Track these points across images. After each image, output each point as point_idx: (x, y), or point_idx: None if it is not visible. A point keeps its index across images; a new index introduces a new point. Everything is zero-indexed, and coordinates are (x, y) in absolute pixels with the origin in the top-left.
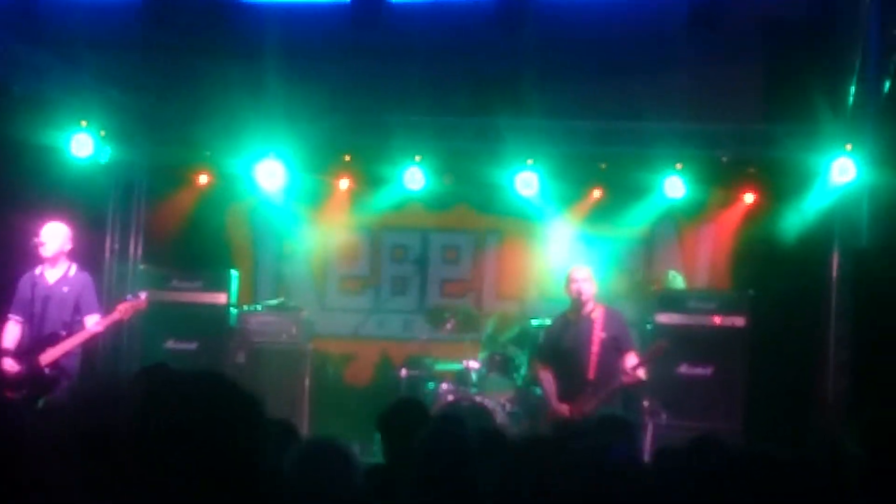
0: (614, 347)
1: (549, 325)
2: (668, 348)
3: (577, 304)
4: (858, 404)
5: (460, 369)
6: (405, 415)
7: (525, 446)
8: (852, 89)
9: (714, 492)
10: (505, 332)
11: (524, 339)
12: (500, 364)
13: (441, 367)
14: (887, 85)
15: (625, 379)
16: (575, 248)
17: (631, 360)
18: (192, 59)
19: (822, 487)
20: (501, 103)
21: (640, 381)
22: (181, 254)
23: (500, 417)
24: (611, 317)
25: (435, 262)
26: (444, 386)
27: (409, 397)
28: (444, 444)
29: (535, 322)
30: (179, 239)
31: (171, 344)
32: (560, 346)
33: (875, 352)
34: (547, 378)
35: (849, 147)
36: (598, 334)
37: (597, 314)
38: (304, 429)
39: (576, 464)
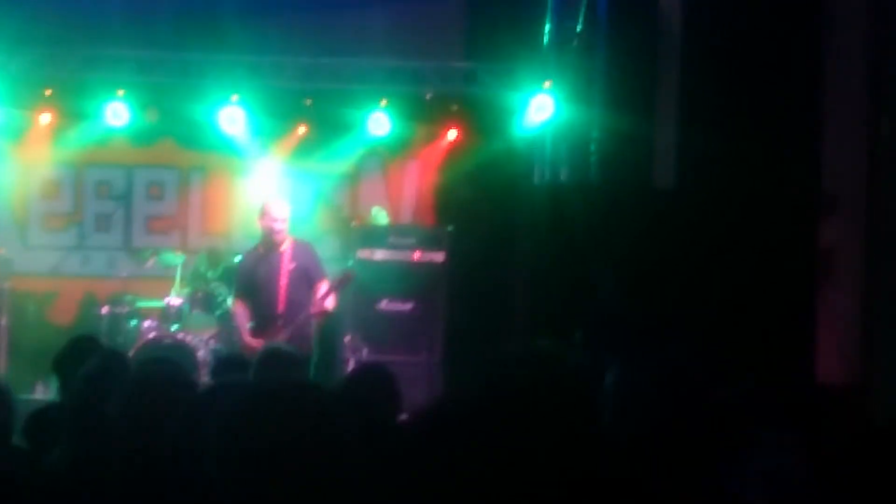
0: (304, 279)
1: (241, 259)
2: (354, 277)
3: (269, 237)
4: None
5: (163, 306)
6: (77, 353)
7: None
8: (547, 28)
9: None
10: (210, 269)
11: (229, 275)
12: (203, 300)
13: (143, 304)
14: (580, 24)
15: (311, 310)
16: (280, 184)
17: (321, 290)
18: None
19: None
20: (205, 37)
21: (325, 312)
22: None
23: (203, 354)
24: (300, 248)
25: (139, 199)
26: (147, 323)
27: (81, 335)
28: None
29: (238, 258)
30: None
31: None
32: (252, 280)
33: (559, 285)
34: (240, 312)
35: (546, 84)
36: (287, 266)
37: (286, 246)
38: (2, 369)
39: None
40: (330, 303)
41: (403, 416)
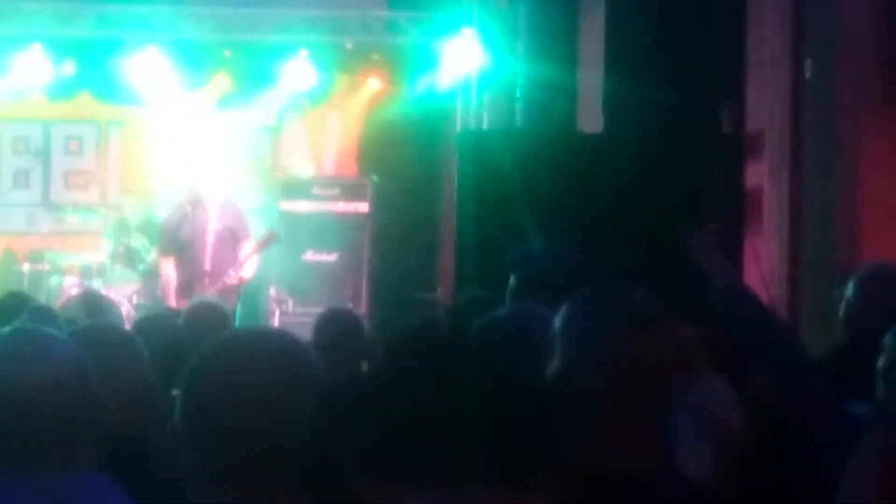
0: (230, 237)
1: (167, 216)
2: (277, 237)
3: (194, 195)
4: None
5: (85, 263)
6: (6, 310)
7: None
8: None
9: None
10: (130, 224)
11: (150, 229)
12: (125, 256)
13: (65, 260)
14: None
15: (228, 281)
16: (201, 138)
17: (247, 248)
18: None
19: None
20: None
21: (245, 278)
22: None
23: (126, 309)
24: (226, 207)
25: (57, 154)
26: (69, 279)
27: (10, 292)
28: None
29: (159, 213)
30: None
31: None
32: (178, 238)
33: (485, 233)
34: (166, 270)
35: (469, 32)
36: (214, 224)
37: (212, 204)
38: None
39: None
40: (251, 268)
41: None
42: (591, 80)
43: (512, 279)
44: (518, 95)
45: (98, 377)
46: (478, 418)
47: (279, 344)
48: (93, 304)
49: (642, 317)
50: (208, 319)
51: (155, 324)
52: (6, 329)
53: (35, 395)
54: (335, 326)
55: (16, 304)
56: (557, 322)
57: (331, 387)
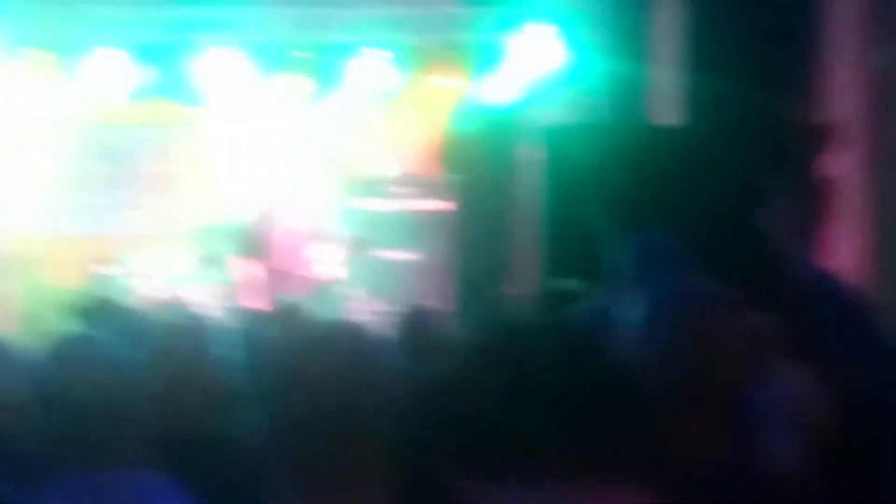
0: (309, 237)
1: (246, 218)
2: (360, 238)
3: (272, 196)
4: (544, 277)
5: (164, 266)
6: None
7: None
8: None
9: None
10: (208, 226)
11: (228, 231)
12: (204, 258)
13: (144, 264)
14: None
15: (309, 280)
16: (277, 139)
17: (327, 248)
18: None
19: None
20: None
21: (334, 278)
22: None
23: (206, 311)
24: (305, 207)
25: (135, 157)
26: (147, 283)
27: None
28: None
29: (237, 214)
30: None
31: None
32: (257, 239)
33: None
34: (245, 271)
35: (544, 26)
36: (293, 224)
37: (291, 205)
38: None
39: None
40: (331, 267)
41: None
42: (664, 73)
43: (610, 269)
44: (596, 90)
45: (165, 378)
46: (569, 411)
47: (361, 342)
48: (170, 306)
49: (718, 308)
50: (289, 320)
51: (231, 325)
52: (66, 333)
53: (91, 397)
54: (417, 324)
55: (97, 308)
56: (636, 314)
57: (417, 385)
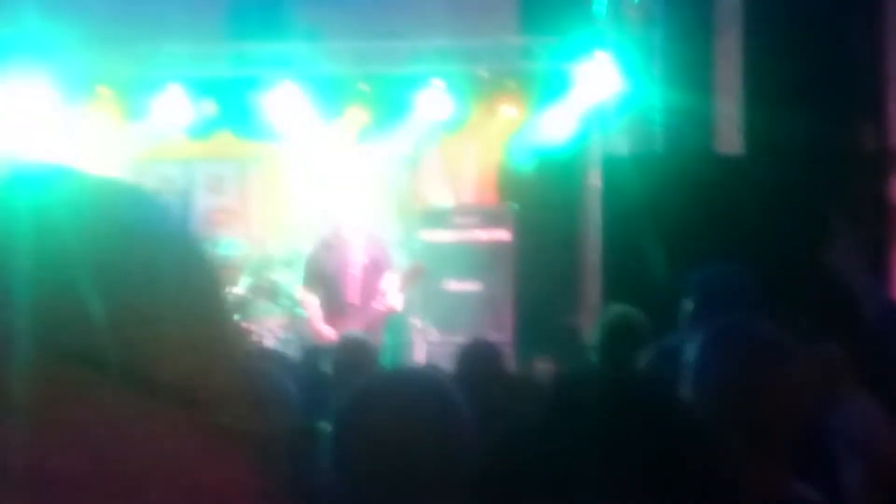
0: (374, 269)
1: (311, 250)
2: (424, 270)
3: (336, 228)
4: (605, 307)
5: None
6: None
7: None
8: None
9: None
10: (272, 258)
11: (293, 264)
12: (267, 290)
13: None
14: None
15: (379, 308)
16: (339, 171)
17: (390, 281)
18: None
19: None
20: (258, 25)
21: (393, 309)
22: None
23: (271, 344)
24: (369, 239)
25: (199, 192)
26: None
27: None
28: None
29: (301, 247)
30: None
31: None
32: (322, 271)
33: (625, 257)
34: (311, 301)
35: (604, 57)
36: (358, 257)
37: (355, 237)
38: None
39: None
40: (399, 300)
41: None
42: (729, 102)
43: (686, 303)
44: (655, 119)
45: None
46: (642, 455)
47: (432, 385)
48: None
49: (768, 352)
50: (356, 355)
51: (301, 360)
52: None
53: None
54: (476, 359)
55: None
56: (689, 356)
57: (498, 435)
